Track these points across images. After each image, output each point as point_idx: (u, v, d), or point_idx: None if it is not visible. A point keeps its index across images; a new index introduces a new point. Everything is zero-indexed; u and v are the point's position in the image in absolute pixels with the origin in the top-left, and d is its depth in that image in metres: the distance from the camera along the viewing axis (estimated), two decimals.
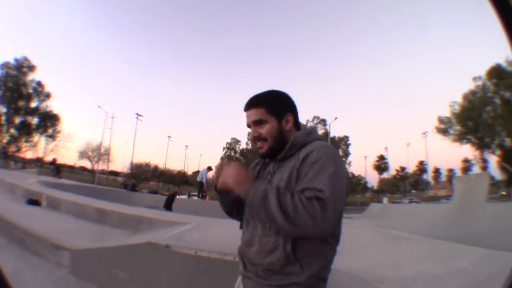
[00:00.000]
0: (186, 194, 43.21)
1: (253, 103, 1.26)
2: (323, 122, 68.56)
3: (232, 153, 69.81)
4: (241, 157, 66.68)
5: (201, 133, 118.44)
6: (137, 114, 58.34)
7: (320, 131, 67.21)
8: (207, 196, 15.09)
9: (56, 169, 26.43)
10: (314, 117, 69.71)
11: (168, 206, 12.50)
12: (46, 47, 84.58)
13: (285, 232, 1.06)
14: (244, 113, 1.30)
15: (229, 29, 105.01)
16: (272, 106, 1.25)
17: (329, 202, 1.00)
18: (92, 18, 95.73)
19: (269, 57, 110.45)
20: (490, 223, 6.98)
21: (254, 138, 1.26)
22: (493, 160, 31.60)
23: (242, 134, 69.16)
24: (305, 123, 67.27)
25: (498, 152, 29.50)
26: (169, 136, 69.38)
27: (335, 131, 70.27)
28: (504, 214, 7.21)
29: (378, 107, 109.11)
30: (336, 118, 55.66)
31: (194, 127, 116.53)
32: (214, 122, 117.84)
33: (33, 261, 3.55)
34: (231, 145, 70.25)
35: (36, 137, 48.10)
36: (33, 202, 6.31)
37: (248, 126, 1.29)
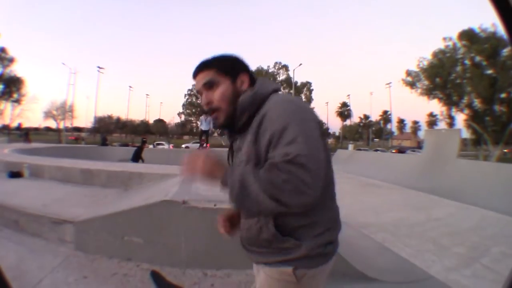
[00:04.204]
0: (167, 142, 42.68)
1: (201, 67, 1.10)
2: (285, 67, 66.82)
3: (194, 99, 67.89)
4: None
5: (161, 80, 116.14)
6: (98, 67, 56.40)
7: (283, 77, 66.11)
8: (208, 144, 13.64)
9: (25, 134, 25.24)
10: (276, 63, 67.56)
11: (135, 158, 11.87)
12: None
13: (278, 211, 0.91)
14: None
15: None
16: (223, 65, 1.08)
17: (308, 162, 0.84)
18: None
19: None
20: (460, 178, 7.18)
21: (207, 105, 1.08)
22: (460, 118, 31.87)
23: None
24: (266, 69, 65.63)
25: (467, 111, 29.53)
26: (130, 86, 67.46)
27: (299, 78, 69.19)
28: (473, 171, 7.35)
29: (342, 55, 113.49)
30: (300, 64, 54.29)
31: (154, 75, 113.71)
32: (174, 68, 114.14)
33: (35, 244, 3.16)
34: (193, 91, 67.21)
35: (2, 104, 45.55)
36: (15, 174, 5.77)
37: (199, 94, 1.12)
